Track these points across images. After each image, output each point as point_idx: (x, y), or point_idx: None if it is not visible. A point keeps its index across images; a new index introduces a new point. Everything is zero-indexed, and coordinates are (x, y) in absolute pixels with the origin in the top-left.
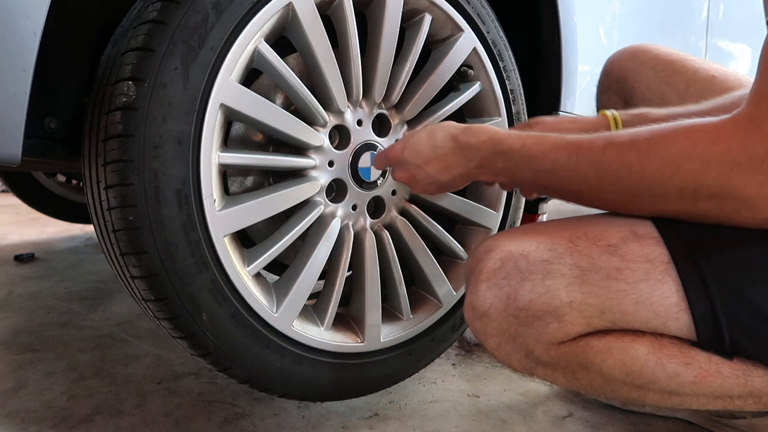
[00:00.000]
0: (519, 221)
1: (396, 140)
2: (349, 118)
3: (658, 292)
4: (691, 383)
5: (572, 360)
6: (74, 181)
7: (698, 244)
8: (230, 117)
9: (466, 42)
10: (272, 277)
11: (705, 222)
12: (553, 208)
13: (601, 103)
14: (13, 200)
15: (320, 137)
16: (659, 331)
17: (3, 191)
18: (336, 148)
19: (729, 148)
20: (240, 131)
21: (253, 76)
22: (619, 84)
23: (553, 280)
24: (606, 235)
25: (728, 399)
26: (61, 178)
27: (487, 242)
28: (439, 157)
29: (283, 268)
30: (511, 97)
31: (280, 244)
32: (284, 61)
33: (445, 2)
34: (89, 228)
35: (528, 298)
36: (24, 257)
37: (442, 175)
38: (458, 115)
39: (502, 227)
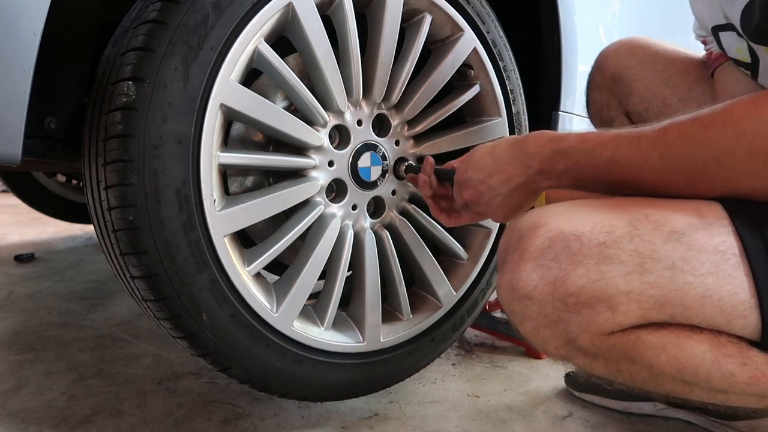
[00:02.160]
0: None
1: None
2: (349, 118)
3: (727, 287)
4: (744, 383)
5: (619, 352)
6: (74, 181)
7: None
8: (230, 117)
9: (466, 42)
10: (272, 277)
11: None
12: None
13: (593, 100)
14: (13, 200)
15: (320, 137)
16: (721, 328)
17: (3, 191)
18: (336, 148)
19: None
20: (240, 131)
21: (252, 76)
22: (615, 81)
23: (610, 266)
24: (671, 220)
25: None
26: (61, 178)
27: (532, 217)
28: (499, 169)
29: (283, 268)
30: (511, 97)
31: (280, 244)
32: (284, 61)
33: (445, 2)
34: (89, 228)
35: (579, 284)
36: (24, 257)
37: (504, 186)
38: (458, 115)
39: (502, 227)
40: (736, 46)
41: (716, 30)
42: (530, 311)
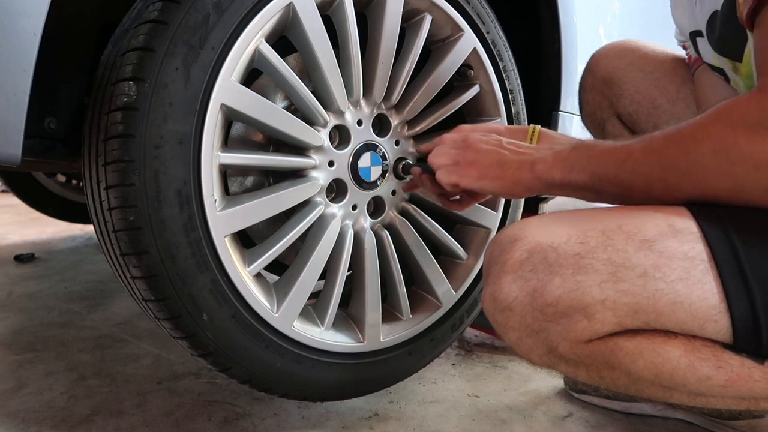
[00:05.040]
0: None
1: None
2: (350, 118)
3: (697, 293)
4: (720, 386)
5: (598, 359)
6: (74, 181)
7: (741, 241)
8: (231, 117)
9: (466, 42)
10: (272, 277)
11: (747, 202)
12: (552, 207)
13: (585, 102)
14: (13, 200)
15: (320, 137)
16: (694, 333)
17: (3, 191)
18: (336, 148)
19: (748, 111)
20: (240, 131)
21: (252, 75)
22: (606, 84)
23: (585, 276)
24: (642, 229)
25: (753, 400)
26: (61, 178)
27: (512, 231)
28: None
29: (283, 268)
30: (510, 97)
31: (280, 244)
32: (284, 61)
33: (446, 2)
34: (89, 228)
35: (556, 294)
36: (24, 257)
37: (501, 147)
38: (458, 115)
39: (501, 227)
40: (711, 52)
41: (693, 36)
42: (512, 322)
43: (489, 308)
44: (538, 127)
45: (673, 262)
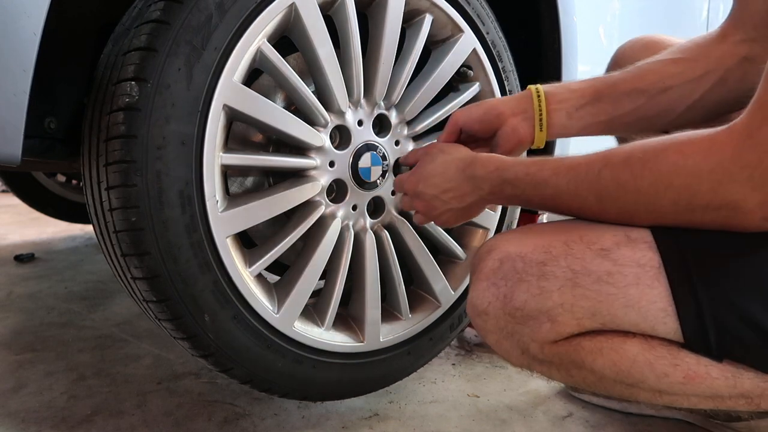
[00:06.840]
0: (516, 221)
1: (409, 167)
2: (350, 118)
3: (647, 296)
4: (679, 384)
5: (565, 358)
6: (74, 181)
7: (691, 250)
8: (233, 118)
9: (466, 42)
10: (272, 278)
11: (705, 228)
12: None
13: None
14: (13, 200)
15: (321, 137)
16: (648, 333)
17: (3, 191)
18: (337, 148)
19: (722, 160)
20: (240, 132)
21: (253, 75)
22: None
23: (547, 281)
24: (601, 239)
25: (719, 399)
26: (61, 178)
27: (490, 242)
28: (453, 188)
29: (283, 268)
30: None
31: (281, 244)
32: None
33: (446, 3)
34: (89, 228)
35: (523, 299)
36: (24, 257)
37: (457, 202)
38: None
39: (499, 227)
40: None
41: None
42: (489, 325)
43: (470, 313)
44: (541, 89)
45: (625, 269)
